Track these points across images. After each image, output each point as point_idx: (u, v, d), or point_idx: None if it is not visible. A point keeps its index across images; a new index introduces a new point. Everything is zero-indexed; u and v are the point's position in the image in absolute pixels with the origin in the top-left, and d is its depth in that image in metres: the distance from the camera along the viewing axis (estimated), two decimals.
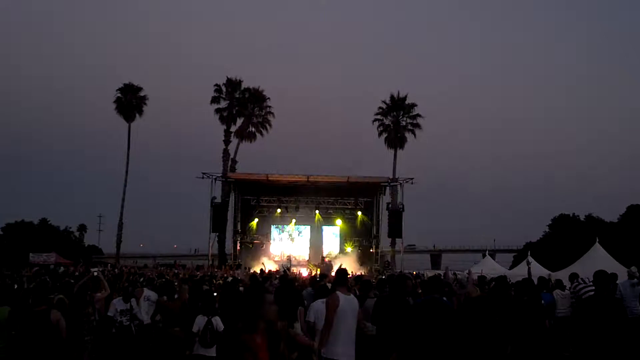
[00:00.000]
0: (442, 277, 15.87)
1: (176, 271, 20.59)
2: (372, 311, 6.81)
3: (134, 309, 9.10)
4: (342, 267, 8.18)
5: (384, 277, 15.69)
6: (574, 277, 11.10)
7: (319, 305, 7.15)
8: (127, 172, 44.54)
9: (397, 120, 42.80)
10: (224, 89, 43.63)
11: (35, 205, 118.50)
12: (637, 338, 6.54)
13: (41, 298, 6.71)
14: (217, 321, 7.53)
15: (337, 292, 6.34)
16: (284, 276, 12.47)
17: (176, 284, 11.16)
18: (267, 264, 26.90)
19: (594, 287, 9.07)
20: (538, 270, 20.82)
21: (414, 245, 75.46)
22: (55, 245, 43.77)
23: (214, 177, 33.23)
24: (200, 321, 7.48)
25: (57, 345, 6.36)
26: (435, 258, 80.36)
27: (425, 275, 20.64)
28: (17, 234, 49.12)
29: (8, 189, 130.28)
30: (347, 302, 6.30)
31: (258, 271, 20.98)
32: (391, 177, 36.38)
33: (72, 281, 11.26)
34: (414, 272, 25.50)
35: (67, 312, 7.37)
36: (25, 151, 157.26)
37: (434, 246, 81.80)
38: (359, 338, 6.67)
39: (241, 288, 11.52)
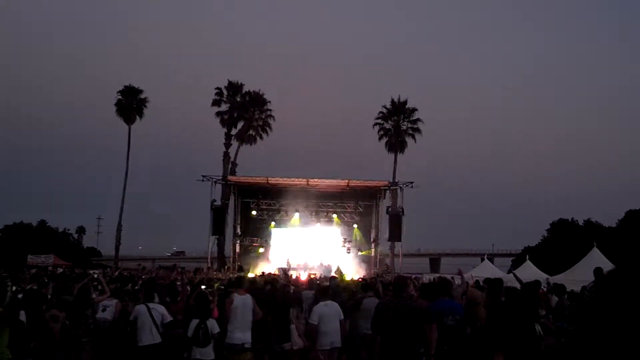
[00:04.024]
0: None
1: (180, 270, 20.44)
2: (372, 318, 6.51)
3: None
4: (242, 274, 10.40)
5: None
6: (598, 272, 9.22)
7: (322, 308, 7.57)
8: (126, 174, 44.44)
9: (397, 124, 42.82)
10: (225, 92, 43.69)
11: (34, 207, 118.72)
12: None
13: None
14: (212, 323, 7.56)
15: (233, 293, 8.14)
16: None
17: (179, 284, 11.14)
18: (266, 268, 26.93)
19: None
20: (536, 274, 20.89)
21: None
22: (54, 247, 43.82)
23: (214, 180, 33.25)
24: (192, 324, 7.53)
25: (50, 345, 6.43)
26: (435, 262, 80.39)
27: (424, 278, 20.59)
28: (16, 236, 49.09)
29: (7, 191, 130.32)
30: (241, 300, 7.89)
31: (259, 274, 21.03)
32: (391, 181, 36.39)
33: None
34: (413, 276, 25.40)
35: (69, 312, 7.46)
36: (24, 153, 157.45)
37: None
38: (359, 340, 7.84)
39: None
